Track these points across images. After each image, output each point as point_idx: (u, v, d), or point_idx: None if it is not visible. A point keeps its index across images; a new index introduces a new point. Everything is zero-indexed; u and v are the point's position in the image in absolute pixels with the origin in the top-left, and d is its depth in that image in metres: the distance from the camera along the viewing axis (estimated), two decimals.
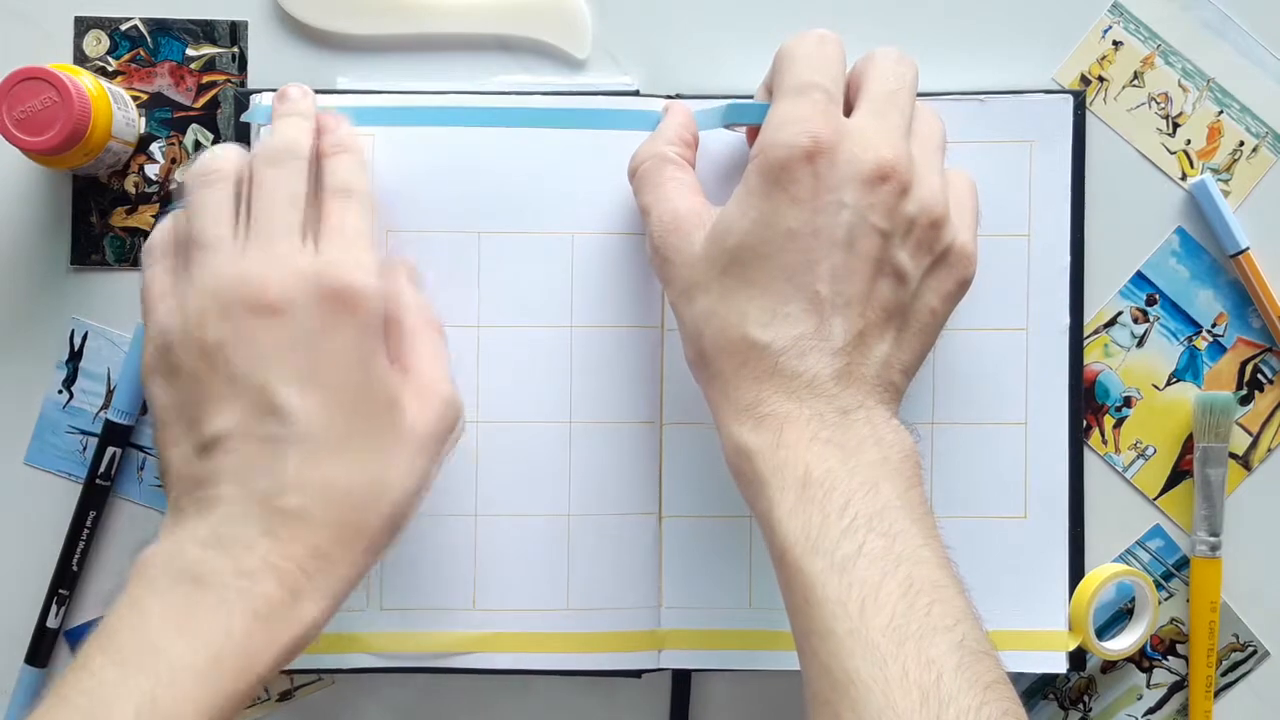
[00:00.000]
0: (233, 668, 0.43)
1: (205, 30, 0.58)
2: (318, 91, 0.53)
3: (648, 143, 0.51)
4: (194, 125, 0.58)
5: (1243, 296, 0.58)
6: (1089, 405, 0.57)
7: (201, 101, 0.58)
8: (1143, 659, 0.58)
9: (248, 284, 0.46)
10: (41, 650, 0.57)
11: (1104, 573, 0.56)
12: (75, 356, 0.58)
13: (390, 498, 0.47)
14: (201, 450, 0.46)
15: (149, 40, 0.58)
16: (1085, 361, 0.57)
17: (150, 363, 0.48)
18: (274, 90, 0.55)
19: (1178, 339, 0.58)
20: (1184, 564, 0.58)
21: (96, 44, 0.58)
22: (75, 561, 0.57)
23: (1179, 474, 0.58)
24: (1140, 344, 0.58)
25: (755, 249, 0.46)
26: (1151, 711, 0.58)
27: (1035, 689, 0.58)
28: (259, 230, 0.47)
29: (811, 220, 0.46)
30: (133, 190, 0.58)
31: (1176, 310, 0.58)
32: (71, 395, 0.58)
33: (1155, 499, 0.58)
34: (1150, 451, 0.58)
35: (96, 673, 0.42)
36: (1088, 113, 0.57)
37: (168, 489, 0.47)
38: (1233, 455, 0.58)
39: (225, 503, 0.45)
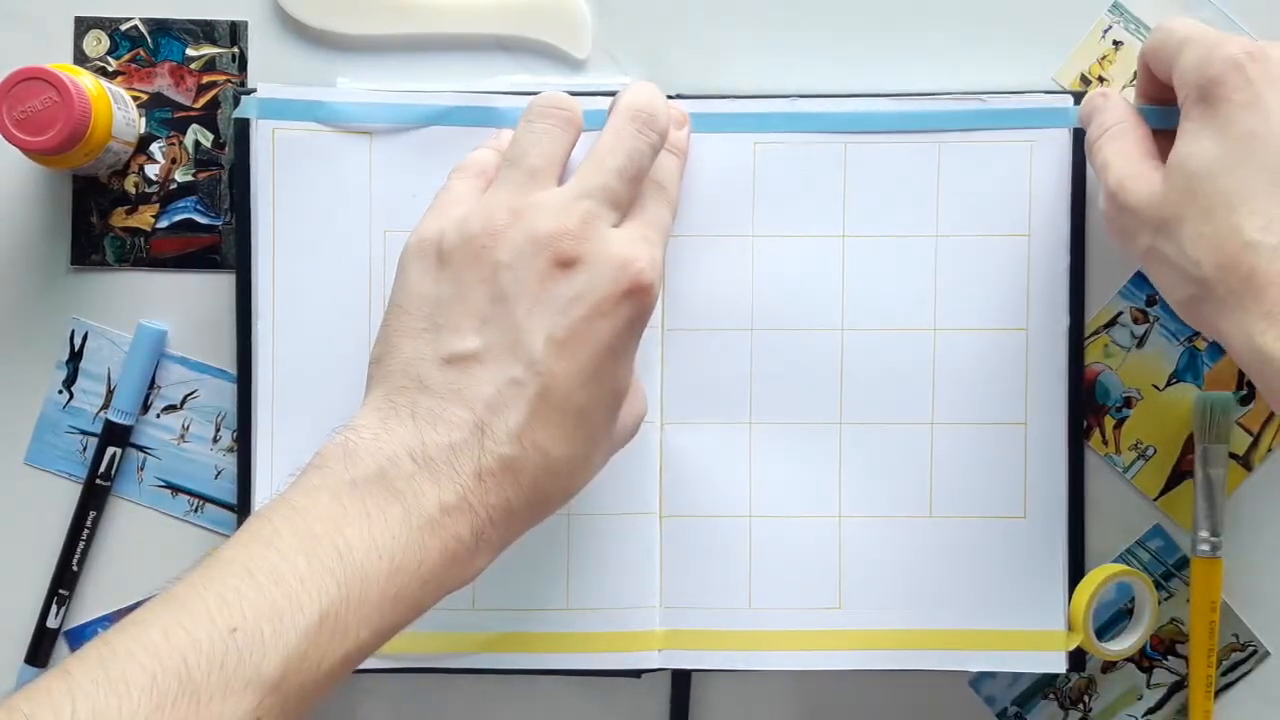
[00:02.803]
0: (408, 601, 0.42)
1: (205, 30, 0.58)
2: (316, 91, 0.53)
3: (1105, 113, 0.52)
4: (194, 125, 0.58)
5: None
6: (1089, 406, 0.57)
7: (202, 101, 0.58)
8: (1143, 659, 0.58)
9: (563, 231, 0.46)
10: (41, 650, 0.57)
11: (1103, 573, 0.56)
12: (75, 356, 0.58)
13: (578, 483, 0.47)
14: (445, 361, 0.45)
15: (149, 40, 0.58)
16: (1085, 362, 0.57)
17: (420, 245, 0.47)
18: (272, 85, 0.55)
19: (1178, 339, 0.58)
20: (1184, 564, 0.58)
21: (97, 44, 0.58)
22: (75, 561, 0.57)
23: (1179, 474, 0.58)
24: (1140, 344, 0.58)
25: (1222, 163, 0.46)
26: (1151, 711, 0.58)
27: (1035, 689, 0.58)
28: (590, 185, 0.47)
29: (1266, 121, 0.46)
30: (133, 190, 0.58)
31: None
32: (71, 395, 0.58)
33: (1156, 499, 0.58)
34: (1151, 452, 0.58)
35: (286, 555, 0.40)
36: None
37: (382, 373, 0.46)
38: (1233, 455, 0.58)
39: (450, 425, 0.44)
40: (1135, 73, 0.57)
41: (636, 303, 0.46)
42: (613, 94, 0.51)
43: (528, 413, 0.44)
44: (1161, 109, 0.52)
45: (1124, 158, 0.50)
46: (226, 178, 0.58)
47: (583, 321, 0.45)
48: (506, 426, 0.44)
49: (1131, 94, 0.55)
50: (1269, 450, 0.58)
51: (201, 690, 0.37)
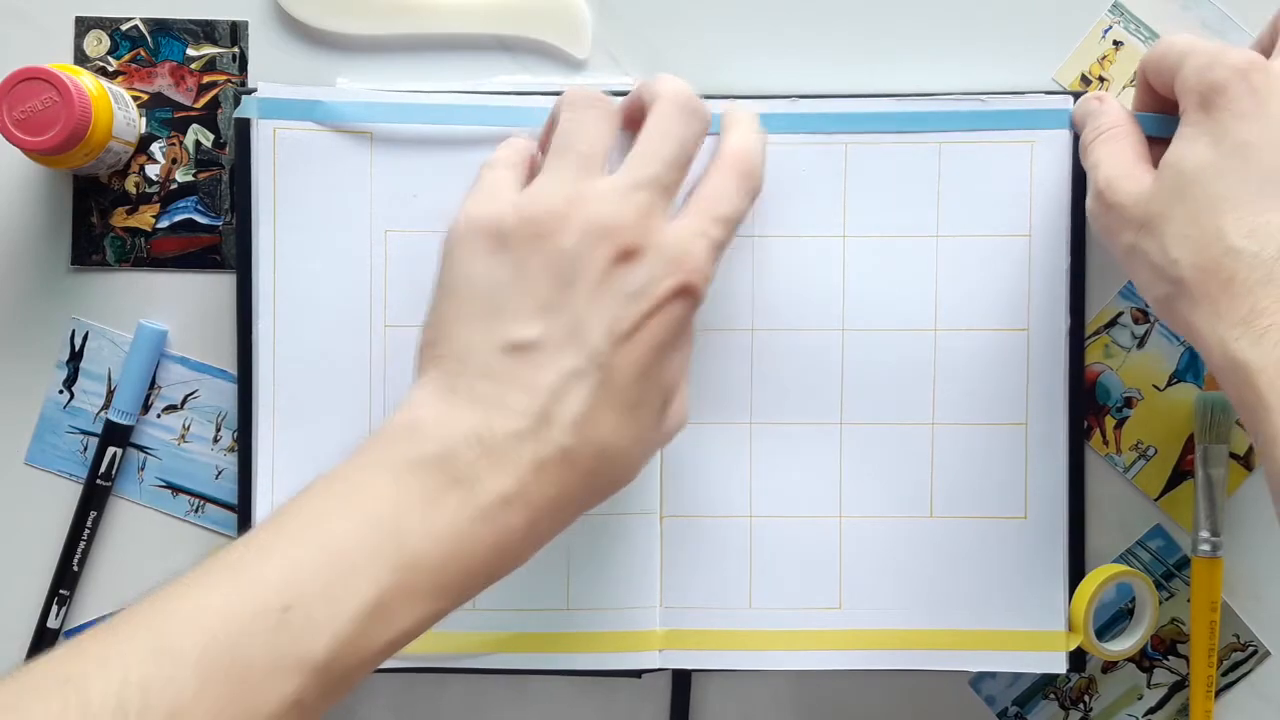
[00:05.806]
0: (456, 590, 0.42)
1: (205, 30, 0.58)
2: (317, 91, 0.53)
3: (1100, 117, 0.52)
4: (194, 125, 0.58)
5: None
6: (1090, 406, 0.57)
7: (202, 101, 0.58)
8: (1143, 659, 0.58)
9: (623, 223, 0.45)
10: (41, 650, 0.57)
11: (1104, 573, 0.56)
12: (75, 356, 0.58)
13: (627, 477, 0.46)
14: (505, 346, 0.44)
15: (149, 40, 0.58)
16: (1086, 362, 0.57)
17: (471, 227, 0.46)
18: (272, 84, 0.55)
19: (1178, 339, 0.58)
20: (1184, 564, 0.58)
21: (97, 44, 0.58)
22: (75, 561, 0.57)
23: (1180, 474, 0.58)
24: (1141, 344, 0.58)
25: (1213, 167, 0.46)
26: (1152, 711, 0.58)
27: (1035, 689, 0.58)
28: (645, 176, 0.46)
29: (1265, 131, 0.46)
30: (133, 190, 0.58)
31: None
32: (72, 395, 0.58)
33: (1156, 499, 0.58)
34: (1151, 452, 0.58)
35: (343, 536, 0.40)
36: None
37: (436, 358, 0.45)
38: (1233, 455, 0.58)
39: (514, 413, 0.43)
40: (1135, 74, 0.57)
41: (684, 302, 0.46)
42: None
43: (589, 404, 0.44)
44: (1158, 116, 0.52)
45: (1116, 158, 0.50)
46: (227, 178, 0.58)
47: (641, 317, 0.45)
48: (568, 416, 0.44)
49: (1130, 94, 0.55)
50: None
51: (252, 667, 0.37)
